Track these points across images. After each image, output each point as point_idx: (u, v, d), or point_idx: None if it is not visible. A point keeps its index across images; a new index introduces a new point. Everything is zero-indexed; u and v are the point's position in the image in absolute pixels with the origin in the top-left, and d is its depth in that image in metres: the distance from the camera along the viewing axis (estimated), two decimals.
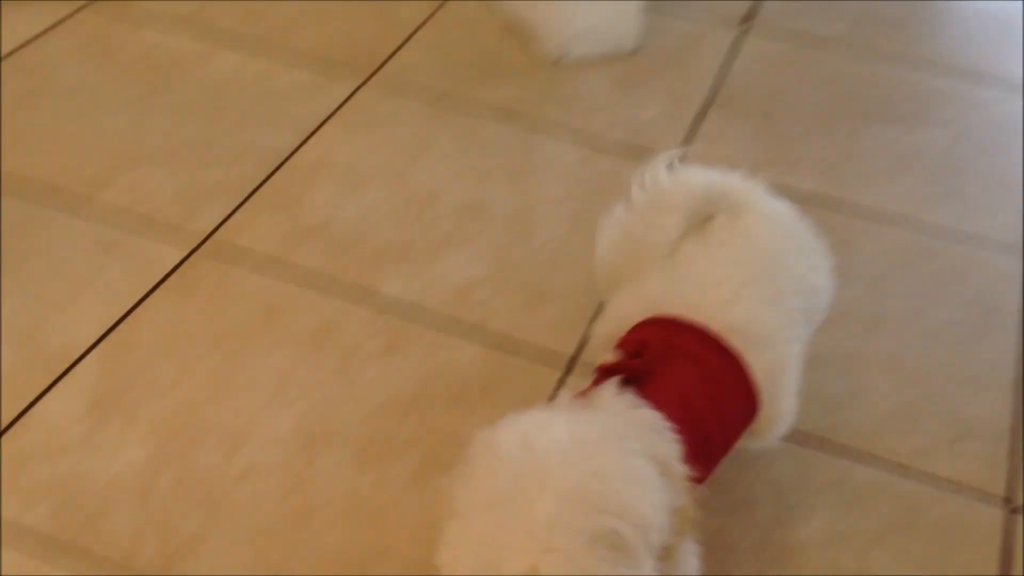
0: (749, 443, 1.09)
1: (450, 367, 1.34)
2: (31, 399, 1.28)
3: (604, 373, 0.97)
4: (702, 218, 1.11)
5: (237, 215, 1.56)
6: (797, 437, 1.25)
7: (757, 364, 1.02)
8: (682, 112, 1.80)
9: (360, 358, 1.35)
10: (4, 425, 1.25)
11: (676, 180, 1.11)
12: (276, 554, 1.14)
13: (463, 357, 1.36)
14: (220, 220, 1.54)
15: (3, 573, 1.11)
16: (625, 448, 0.83)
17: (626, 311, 1.08)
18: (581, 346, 1.37)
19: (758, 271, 1.07)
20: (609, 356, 1.02)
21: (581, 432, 0.83)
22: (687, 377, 0.98)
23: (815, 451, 1.26)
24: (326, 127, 1.73)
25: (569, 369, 1.34)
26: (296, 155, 1.67)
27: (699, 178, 1.11)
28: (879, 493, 1.22)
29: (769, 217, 1.12)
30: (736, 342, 1.01)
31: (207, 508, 1.18)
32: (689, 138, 1.74)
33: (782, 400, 1.07)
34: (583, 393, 0.96)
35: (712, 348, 1.01)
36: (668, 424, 0.89)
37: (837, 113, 1.82)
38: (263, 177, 1.62)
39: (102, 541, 1.14)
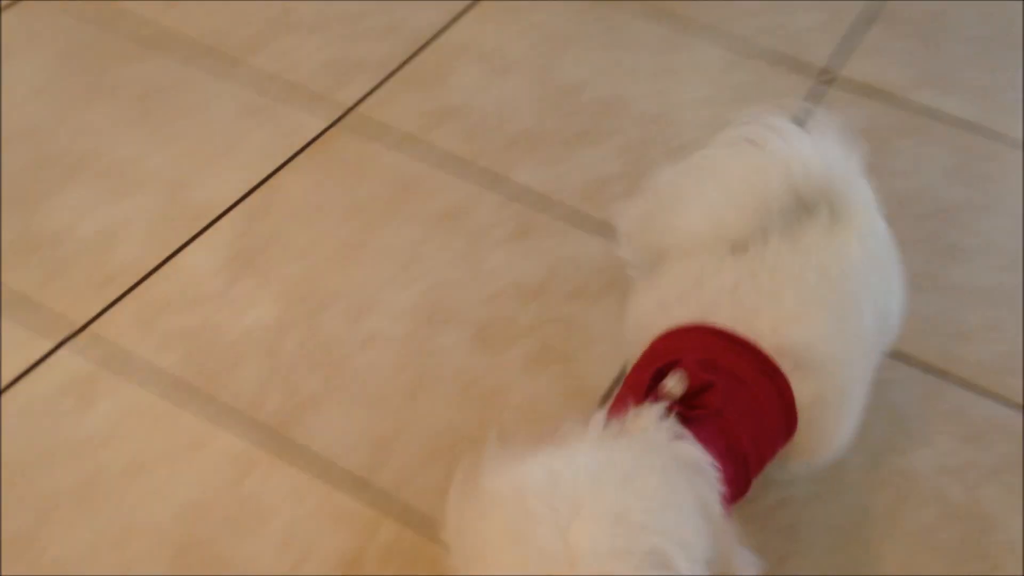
0: (789, 465, 1.00)
1: (575, 260, 1.35)
2: (172, 250, 1.34)
3: (660, 399, 0.85)
4: (793, 206, 0.96)
5: (380, 91, 1.57)
6: (921, 365, 1.23)
7: (802, 391, 0.92)
8: (839, 24, 1.73)
9: (487, 242, 1.37)
10: (146, 272, 1.31)
11: (790, 145, 0.97)
12: (388, 421, 1.17)
13: (589, 251, 1.36)
14: (363, 94, 1.56)
15: (134, 411, 1.17)
16: (663, 473, 0.76)
17: (674, 306, 0.97)
18: None
19: (834, 292, 0.95)
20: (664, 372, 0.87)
21: (612, 458, 0.76)
22: (735, 411, 0.88)
23: (938, 380, 1.23)
24: (474, 10, 1.73)
25: None
26: (443, 36, 1.68)
27: (820, 155, 0.96)
28: (998, 430, 1.19)
29: (868, 234, 0.99)
30: (784, 364, 0.91)
31: (329, 370, 1.22)
32: (844, 51, 1.68)
33: (827, 431, 0.97)
34: (615, 411, 0.85)
35: (763, 372, 0.91)
36: (711, 461, 0.81)
37: (1003, 40, 1.73)
38: (409, 55, 1.63)
39: (229, 390, 1.20)
